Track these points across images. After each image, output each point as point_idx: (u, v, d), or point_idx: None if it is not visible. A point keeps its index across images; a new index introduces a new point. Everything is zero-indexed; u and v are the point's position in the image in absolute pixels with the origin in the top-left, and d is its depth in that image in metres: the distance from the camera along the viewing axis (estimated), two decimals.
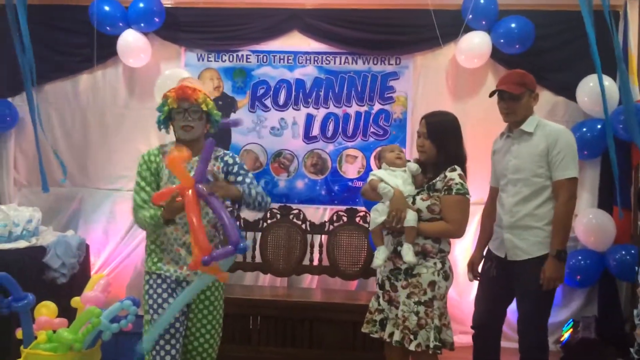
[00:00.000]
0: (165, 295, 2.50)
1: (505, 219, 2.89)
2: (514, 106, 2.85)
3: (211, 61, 4.57)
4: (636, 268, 3.62)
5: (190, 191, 2.26)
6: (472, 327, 3.05)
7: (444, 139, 2.68)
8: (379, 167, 2.87)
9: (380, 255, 2.69)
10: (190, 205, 2.23)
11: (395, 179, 2.70)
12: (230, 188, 2.46)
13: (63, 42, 4.58)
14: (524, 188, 2.83)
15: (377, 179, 2.74)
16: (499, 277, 2.93)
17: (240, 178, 2.62)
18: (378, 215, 2.70)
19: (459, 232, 2.67)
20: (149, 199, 2.50)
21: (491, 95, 2.96)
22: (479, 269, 3.10)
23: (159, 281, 2.53)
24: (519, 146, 2.88)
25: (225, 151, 2.71)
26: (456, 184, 2.61)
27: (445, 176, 2.64)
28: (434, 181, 2.67)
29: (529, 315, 2.84)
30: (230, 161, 2.65)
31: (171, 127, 2.62)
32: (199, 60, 4.57)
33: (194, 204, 2.23)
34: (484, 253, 3.08)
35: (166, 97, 2.57)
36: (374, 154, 4.45)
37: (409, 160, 2.84)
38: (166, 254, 2.57)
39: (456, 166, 2.66)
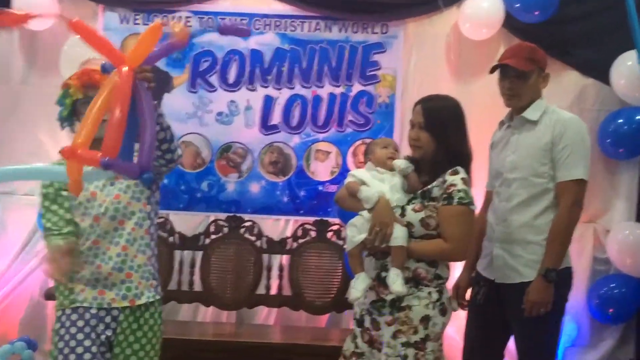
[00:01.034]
0: (80, 336, 2.49)
1: (497, 229, 2.98)
2: (520, 87, 2.94)
3: (138, 24, 4.54)
4: None
5: (125, 70, 2.14)
6: None
7: (445, 131, 2.69)
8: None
9: (359, 285, 2.66)
10: (122, 89, 2.12)
11: (380, 184, 2.70)
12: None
13: None
14: (521, 190, 2.92)
15: (358, 181, 2.74)
16: (490, 305, 2.99)
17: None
18: (356, 232, 2.68)
19: (461, 254, 2.70)
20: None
21: (492, 70, 3.03)
22: (468, 295, 3.17)
23: (73, 317, 2.53)
24: (519, 137, 2.98)
25: None
26: (459, 190, 2.62)
27: (445, 181, 2.65)
28: (430, 186, 2.68)
29: (530, 354, 2.92)
30: None
31: (78, 124, 2.61)
32: (122, 22, 4.54)
33: (125, 89, 2.12)
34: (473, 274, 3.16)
35: (67, 86, 2.60)
36: (352, 148, 4.49)
37: None
38: (76, 279, 2.55)
39: (459, 168, 2.67)
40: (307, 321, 4.37)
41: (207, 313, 4.45)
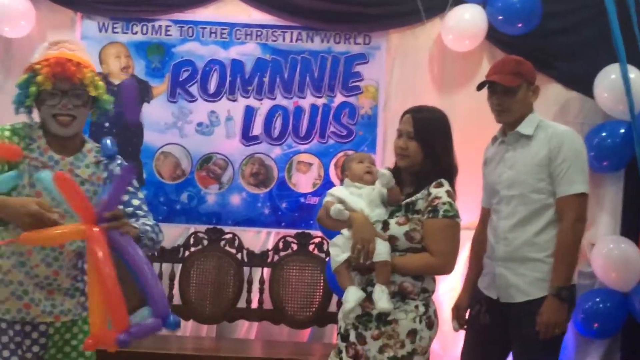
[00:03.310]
0: (6, 353, 2.37)
1: (498, 248, 2.97)
2: (508, 102, 2.94)
3: (117, 33, 4.52)
4: None
5: (95, 229, 2.10)
6: None
7: (434, 143, 2.71)
8: (341, 182, 2.88)
9: (351, 297, 2.62)
10: (98, 255, 2.06)
11: (359, 200, 2.69)
12: (128, 224, 2.31)
13: None
14: (520, 207, 2.91)
15: (335, 200, 2.72)
16: (492, 324, 2.98)
17: (126, 198, 2.50)
18: (339, 250, 2.68)
19: (447, 267, 2.70)
20: None
21: (479, 88, 3.04)
22: (467, 315, 3.15)
23: None
24: (514, 153, 2.98)
25: (113, 154, 2.57)
26: (444, 203, 2.63)
27: (430, 193, 2.66)
28: (414, 198, 2.69)
29: None
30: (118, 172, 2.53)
31: (36, 110, 2.48)
32: (100, 31, 4.52)
33: (102, 252, 2.06)
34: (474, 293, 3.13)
35: (34, 71, 2.39)
36: (334, 160, 4.50)
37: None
38: (4, 285, 2.43)
39: (443, 180, 2.69)
40: (289, 335, 4.36)
41: (186, 327, 4.41)
